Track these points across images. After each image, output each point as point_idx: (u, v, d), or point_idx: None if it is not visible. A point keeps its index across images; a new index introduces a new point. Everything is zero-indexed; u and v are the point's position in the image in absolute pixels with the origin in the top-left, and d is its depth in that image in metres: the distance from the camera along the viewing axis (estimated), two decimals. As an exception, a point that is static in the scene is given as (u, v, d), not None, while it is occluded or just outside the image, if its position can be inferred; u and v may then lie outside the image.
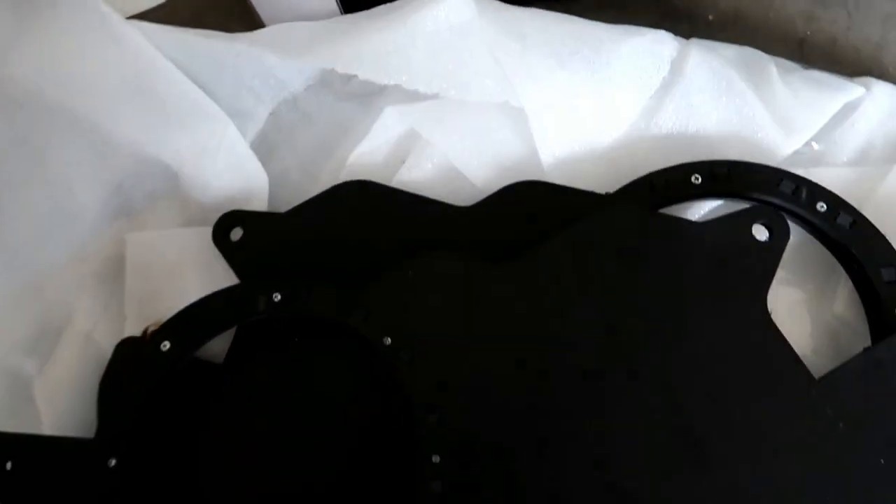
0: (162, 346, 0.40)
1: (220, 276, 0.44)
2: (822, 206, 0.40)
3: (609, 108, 0.45)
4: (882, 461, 0.35)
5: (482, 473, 0.37)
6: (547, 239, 0.40)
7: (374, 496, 0.38)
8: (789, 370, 0.37)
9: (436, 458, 0.37)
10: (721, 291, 0.38)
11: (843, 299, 0.41)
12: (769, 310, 0.38)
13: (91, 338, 0.45)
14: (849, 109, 0.45)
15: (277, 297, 0.40)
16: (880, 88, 0.45)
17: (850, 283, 0.41)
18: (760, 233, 0.39)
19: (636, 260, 0.39)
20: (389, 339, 0.39)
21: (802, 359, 0.38)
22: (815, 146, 0.45)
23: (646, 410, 0.37)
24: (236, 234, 0.45)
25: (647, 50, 0.45)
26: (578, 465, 0.36)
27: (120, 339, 0.42)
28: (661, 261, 0.39)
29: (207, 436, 0.41)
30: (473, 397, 0.38)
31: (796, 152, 0.45)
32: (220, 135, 0.44)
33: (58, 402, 0.43)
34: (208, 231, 0.45)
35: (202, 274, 0.44)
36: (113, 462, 0.38)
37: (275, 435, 0.41)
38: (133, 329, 0.44)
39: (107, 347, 0.43)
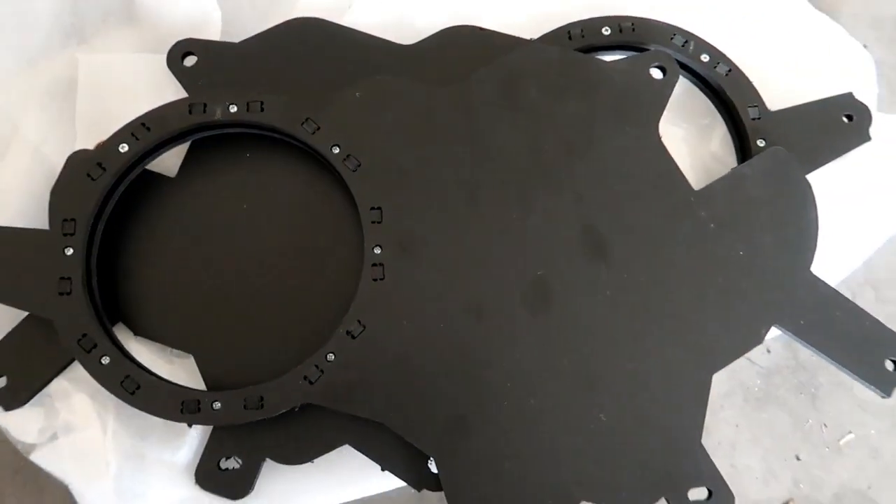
0: (120, 147, 0.43)
1: (172, 102, 0.46)
2: (705, 57, 0.48)
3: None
4: (741, 252, 0.44)
5: (420, 260, 0.42)
6: (480, 68, 0.46)
7: (326, 301, 0.43)
8: (674, 181, 0.45)
9: (377, 250, 0.42)
10: (622, 117, 0.45)
11: (717, 139, 0.50)
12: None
13: (40, 150, 0.46)
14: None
15: (233, 108, 0.43)
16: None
17: (723, 128, 0.50)
18: (656, 73, 0.47)
19: (556, 89, 0.46)
20: (338, 149, 0.43)
21: (683, 184, 0.46)
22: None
23: (560, 210, 0.43)
24: (190, 61, 0.47)
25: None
26: (507, 258, 0.43)
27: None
28: (576, 90, 0.46)
29: (160, 243, 0.44)
30: (412, 199, 0.43)
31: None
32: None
33: (5, 209, 0.45)
34: (162, 58, 0.47)
35: (154, 98, 0.46)
36: (70, 251, 0.40)
37: (227, 239, 0.44)
38: (83, 146, 0.46)
39: (56, 161, 0.44)
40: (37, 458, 0.40)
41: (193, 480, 0.41)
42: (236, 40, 0.48)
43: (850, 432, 0.48)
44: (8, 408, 0.41)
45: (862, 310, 0.45)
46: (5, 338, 0.42)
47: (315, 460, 0.41)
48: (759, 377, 0.49)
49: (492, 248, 0.43)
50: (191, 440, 0.41)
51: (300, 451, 0.41)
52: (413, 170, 0.44)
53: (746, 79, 0.48)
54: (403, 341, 0.41)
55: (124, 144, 0.42)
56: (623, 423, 0.41)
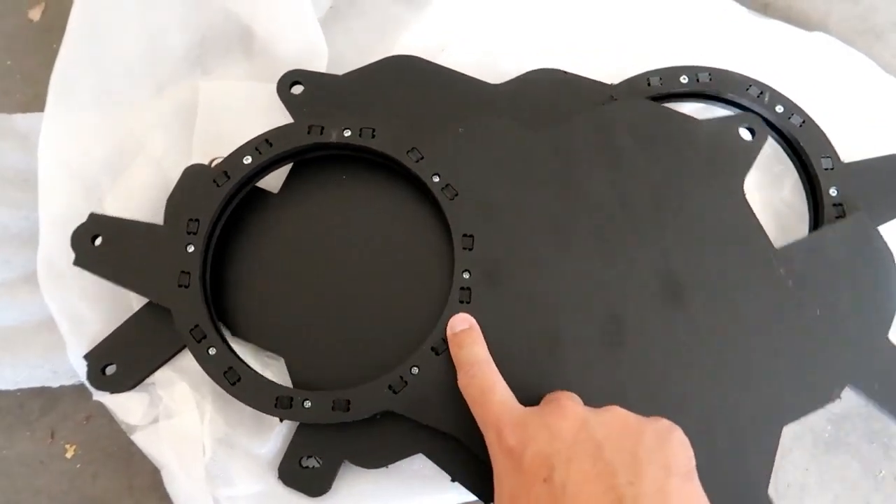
0: (244, 159, 0.47)
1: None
2: (779, 108, 0.51)
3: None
4: (818, 312, 0.45)
5: (505, 289, 0.44)
6: (577, 115, 0.49)
7: (413, 317, 0.45)
8: (756, 238, 0.46)
9: (466, 275, 0.45)
10: (711, 173, 0.48)
11: (789, 187, 0.52)
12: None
13: (160, 164, 0.51)
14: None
15: (347, 132, 0.47)
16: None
17: (795, 176, 0.52)
18: (745, 134, 0.49)
19: (647, 141, 0.48)
20: (438, 178, 0.47)
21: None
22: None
23: (644, 260, 0.46)
24: (297, 90, 0.52)
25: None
26: (587, 296, 0.45)
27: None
28: (668, 145, 0.48)
29: (261, 253, 0.48)
30: (502, 231, 0.46)
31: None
32: (296, 7, 0.52)
33: (126, 212, 0.49)
34: (272, 87, 0.52)
35: (263, 121, 0.50)
36: (192, 248, 0.45)
37: (324, 252, 0.48)
38: (198, 161, 0.50)
39: (173, 174, 0.49)
40: (138, 439, 0.43)
41: (276, 475, 0.43)
42: (340, 73, 0.53)
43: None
44: (115, 391, 0.44)
45: None
46: (116, 330, 0.46)
47: (389, 466, 0.43)
48: (830, 423, 0.49)
49: (573, 286, 0.45)
50: (276, 437, 0.44)
51: (376, 457, 0.43)
52: (506, 205, 0.47)
53: (820, 130, 0.50)
54: None
55: (248, 157, 0.47)
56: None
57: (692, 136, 0.49)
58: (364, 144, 0.47)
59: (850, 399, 0.46)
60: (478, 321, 0.43)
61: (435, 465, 0.43)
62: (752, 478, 0.42)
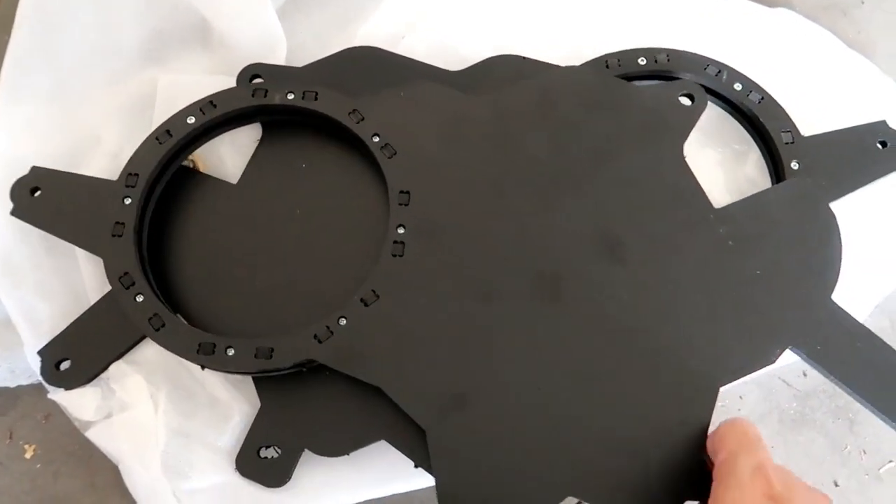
0: (188, 119, 0.47)
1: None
2: (738, 86, 0.51)
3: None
4: (758, 272, 0.44)
5: (439, 243, 0.44)
6: (519, 81, 0.49)
7: (348, 273, 0.45)
8: (695, 198, 0.46)
9: (400, 230, 0.45)
10: (650, 136, 0.48)
11: (752, 163, 0.51)
12: (688, 163, 0.47)
13: (117, 158, 0.50)
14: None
15: (291, 95, 0.48)
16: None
17: (758, 153, 0.51)
18: (685, 100, 0.49)
19: (588, 105, 0.49)
20: (377, 138, 0.47)
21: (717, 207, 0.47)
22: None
23: (583, 215, 0.45)
24: (257, 83, 0.52)
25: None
26: (522, 251, 0.45)
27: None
28: (607, 109, 0.48)
29: (208, 238, 0.48)
30: (439, 188, 0.46)
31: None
32: (254, -1, 0.52)
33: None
34: (232, 80, 0.52)
35: None
36: (129, 200, 0.45)
37: (268, 227, 0.48)
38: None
39: (130, 168, 0.49)
40: (93, 435, 0.42)
41: (234, 466, 0.42)
42: (300, 66, 0.53)
43: (891, 461, 0.46)
44: (69, 387, 0.44)
45: (884, 342, 0.44)
46: (71, 325, 0.46)
47: (351, 454, 0.42)
48: (796, 400, 0.48)
49: (509, 241, 0.45)
50: (234, 427, 0.43)
51: (337, 444, 0.42)
52: (444, 164, 0.47)
53: (779, 106, 0.50)
54: (413, 315, 0.43)
55: (192, 117, 0.48)
56: (624, 423, 0.41)
57: (632, 101, 0.49)
58: (306, 107, 0.48)
59: (815, 377, 0.45)
60: (409, 275, 0.43)
61: (398, 453, 0.42)
62: (690, 437, 0.40)
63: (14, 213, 0.46)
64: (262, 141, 0.51)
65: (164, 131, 0.47)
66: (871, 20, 0.61)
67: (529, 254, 0.45)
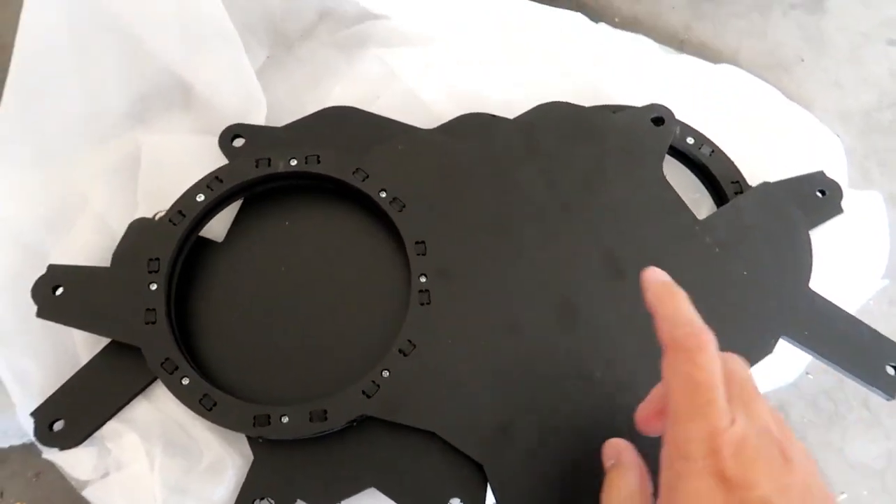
0: (197, 197, 0.49)
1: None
2: (690, 140, 0.55)
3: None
4: (745, 273, 0.49)
5: (460, 286, 0.48)
6: (499, 123, 0.54)
7: (377, 327, 0.48)
8: (680, 211, 0.51)
9: (423, 279, 0.48)
10: (630, 160, 0.53)
11: (706, 209, 0.55)
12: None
13: (104, 220, 0.52)
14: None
15: (294, 161, 0.50)
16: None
17: (710, 201, 0.56)
18: (657, 121, 0.54)
19: (567, 137, 0.53)
20: (385, 193, 0.50)
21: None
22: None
23: (579, 239, 0.50)
24: (239, 142, 0.54)
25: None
26: (537, 282, 0.48)
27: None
28: (587, 137, 0.53)
29: (220, 304, 0.49)
30: (450, 234, 0.49)
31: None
32: (234, 61, 0.54)
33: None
34: (214, 140, 0.53)
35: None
36: (154, 286, 0.46)
37: (284, 292, 0.50)
38: (143, 215, 0.51)
39: (118, 228, 0.50)
40: (89, 493, 0.43)
41: (229, 519, 0.44)
42: (279, 125, 0.55)
43: (843, 493, 0.50)
44: (63, 448, 0.45)
45: (861, 321, 0.50)
46: (63, 386, 0.47)
47: (343, 503, 0.44)
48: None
49: (523, 275, 0.49)
50: (229, 480, 0.45)
51: (329, 493, 0.44)
52: (450, 210, 0.51)
53: (727, 158, 0.54)
54: (449, 357, 0.46)
55: (201, 195, 0.49)
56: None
57: (607, 127, 0.54)
58: (311, 170, 0.50)
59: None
60: (438, 319, 0.46)
61: (386, 499, 0.44)
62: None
63: (39, 314, 0.46)
64: (242, 207, 0.52)
65: (177, 212, 0.48)
66: (811, 76, 0.66)
67: (542, 283, 0.48)
